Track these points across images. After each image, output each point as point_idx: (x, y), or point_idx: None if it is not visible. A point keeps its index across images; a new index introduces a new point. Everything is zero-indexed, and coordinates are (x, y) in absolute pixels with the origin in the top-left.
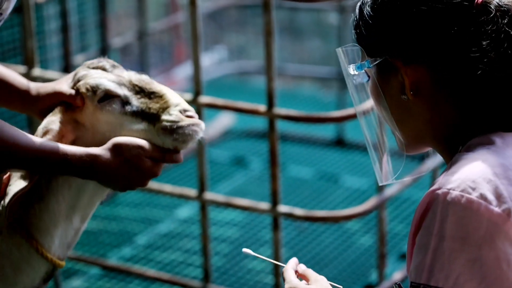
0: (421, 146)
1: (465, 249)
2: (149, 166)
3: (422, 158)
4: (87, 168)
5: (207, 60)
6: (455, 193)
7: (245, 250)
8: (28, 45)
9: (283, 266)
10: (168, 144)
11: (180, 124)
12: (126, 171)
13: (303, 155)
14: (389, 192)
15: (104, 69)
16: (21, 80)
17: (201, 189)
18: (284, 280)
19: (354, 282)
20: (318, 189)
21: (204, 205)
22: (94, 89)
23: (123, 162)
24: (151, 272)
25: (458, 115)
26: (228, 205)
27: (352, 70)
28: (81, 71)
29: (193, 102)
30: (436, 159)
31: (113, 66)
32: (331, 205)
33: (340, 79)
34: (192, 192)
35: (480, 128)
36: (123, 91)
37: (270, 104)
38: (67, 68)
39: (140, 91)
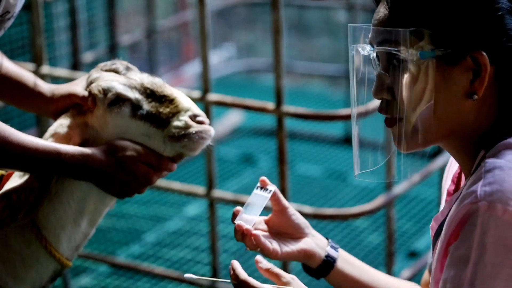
0: (432, 145)
1: (507, 263)
2: (143, 171)
3: (432, 156)
4: (80, 166)
5: (216, 57)
6: (496, 206)
7: (187, 275)
8: (37, 42)
9: (226, 281)
10: (168, 152)
11: (188, 131)
12: (119, 173)
13: (311, 153)
14: (397, 190)
15: (117, 71)
16: (36, 81)
17: (210, 186)
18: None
19: None
20: (327, 187)
21: (212, 203)
22: (105, 92)
23: (116, 163)
24: (160, 269)
25: (497, 115)
26: (236, 203)
27: (412, 55)
28: (94, 74)
29: (201, 100)
30: (445, 157)
31: (127, 68)
32: (340, 203)
33: (349, 77)
34: (200, 189)
35: (508, 129)
36: (134, 95)
37: (279, 101)
38: (75, 65)
39: (151, 94)
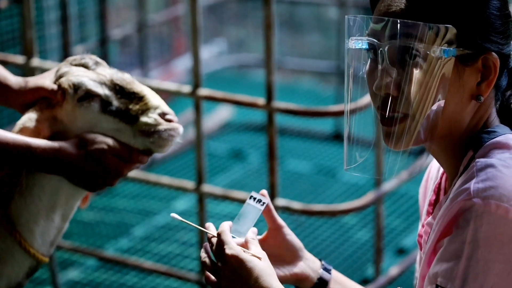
0: (424, 143)
1: (500, 259)
2: (113, 163)
3: (420, 153)
4: (50, 160)
5: (207, 52)
6: (490, 202)
7: (173, 215)
8: (28, 35)
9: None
10: (139, 145)
11: (158, 128)
12: (89, 166)
13: (301, 149)
14: (386, 187)
15: (86, 66)
16: (4, 74)
17: (199, 181)
18: (221, 243)
19: (350, 276)
20: (316, 183)
21: (201, 198)
22: (76, 87)
23: (85, 155)
24: (148, 264)
25: (488, 117)
26: (225, 198)
27: (437, 51)
28: (63, 68)
29: (191, 95)
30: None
31: (96, 63)
32: (329, 199)
33: (339, 74)
34: (189, 184)
35: (494, 128)
36: (103, 91)
37: (269, 97)
38: (66, 58)
39: (120, 90)
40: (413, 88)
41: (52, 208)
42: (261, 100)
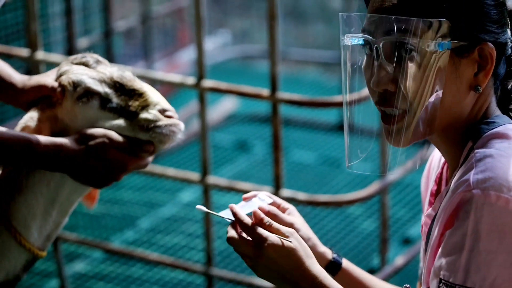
0: (426, 137)
1: (502, 250)
2: (115, 156)
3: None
4: (52, 156)
5: (211, 44)
6: (490, 193)
7: (198, 207)
8: (32, 28)
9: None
10: (141, 137)
11: (158, 123)
12: (91, 161)
13: (306, 140)
14: (391, 177)
15: (87, 64)
16: (8, 71)
17: (204, 173)
18: (257, 236)
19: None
20: (321, 174)
21: (207, 189)
22: (75, 85)
23: (87, 150)
24: (154, 255)
25: (487, 107)
26: (231, 189)
27: (432, 46)
28: (64, 66)
29: (196, 86)
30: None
31: (97, 62)
32: (334, 190)
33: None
34: (195, 176)
35: (495, 119)
36: (103, 88)
37: (274, 88)
38: (70, 51)
39: (120, 88)
40: (410, 82)
41: (51, 203)
42: (265, 91)
